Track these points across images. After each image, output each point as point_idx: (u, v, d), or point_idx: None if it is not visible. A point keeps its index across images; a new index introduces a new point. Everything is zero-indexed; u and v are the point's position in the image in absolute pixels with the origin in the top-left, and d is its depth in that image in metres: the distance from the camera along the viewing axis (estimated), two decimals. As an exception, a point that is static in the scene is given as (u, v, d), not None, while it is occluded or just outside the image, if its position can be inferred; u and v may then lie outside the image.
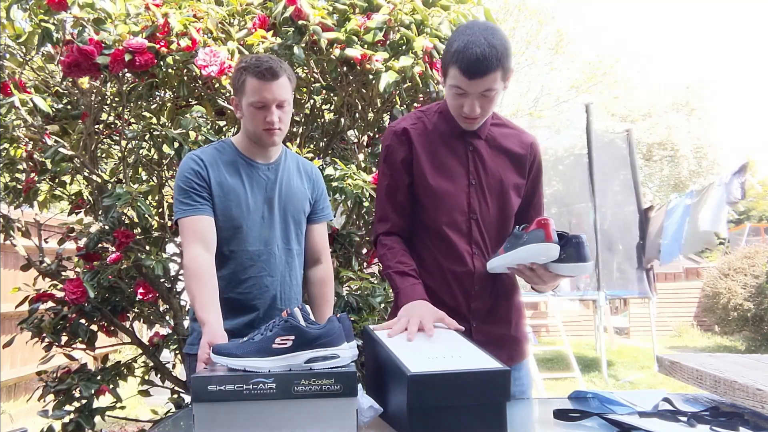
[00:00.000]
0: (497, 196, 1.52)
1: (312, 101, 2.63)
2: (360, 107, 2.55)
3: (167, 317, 2.68)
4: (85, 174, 2.50)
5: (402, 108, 2.40)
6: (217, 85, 2.22)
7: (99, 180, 2.49)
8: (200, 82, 2.29)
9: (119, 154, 2.56)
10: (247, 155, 1.70)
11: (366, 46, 2.25)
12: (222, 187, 1.64)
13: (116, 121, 2.57)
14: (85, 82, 2.36)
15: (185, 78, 2.28)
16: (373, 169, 2.43)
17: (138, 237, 2.35)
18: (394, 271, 1.47)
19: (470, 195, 1.50)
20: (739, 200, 6.58)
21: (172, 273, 2.53)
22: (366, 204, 2.29)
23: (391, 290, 2.08)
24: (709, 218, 6.55)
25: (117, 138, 2.58)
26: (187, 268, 1.56)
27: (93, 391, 2.40)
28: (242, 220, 1.66)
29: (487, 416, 1.06)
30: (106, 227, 2.32)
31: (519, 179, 1.55)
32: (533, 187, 1.60)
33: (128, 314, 2.62)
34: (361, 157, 2.53)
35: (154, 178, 2.58)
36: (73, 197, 2.73)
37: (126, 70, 2.16)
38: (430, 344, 1.23)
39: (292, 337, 1.09)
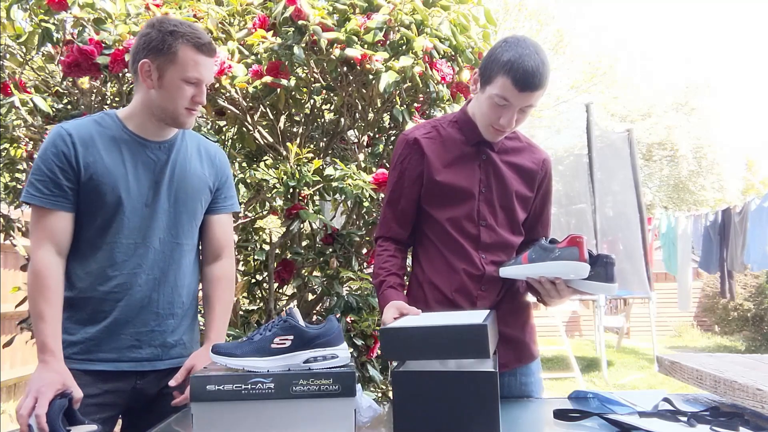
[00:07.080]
0: (505, 207, 1.53)
1: (312, 101, 2.63)
2: (360, 107, 2.55)
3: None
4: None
5: (402, 108, 2.39)
6: (216, 85, 2.22)
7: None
8: (200, 82, 2.28)
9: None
10: (136, 131, 1.46)
11: (366, 46, 2.25)
12: (94, 171, 1.39)
13: (116, 121, 2.56)
14: (85, 82, 2.36)
15: (185, 78, 2.28)
16: (374, 169, 2.43)
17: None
18: (382, 276, 1.51)
19: (479, 202, 1.51)
20: None
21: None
22: (366, 204, 2.28)
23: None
24: None
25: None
26: (35, 274, 1.36)
27: (93, 391, 2.40)
28: (119, 207, 1.42)
29: (478, 413, 1.05)
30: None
31: (527, 192, 1.56)
32: (542, 204, 1.61)
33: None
34: (361, 157, 2.53)
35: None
36: (73, 197, 2.73)
37: (126, 70, 2.16)
38: (442, 316, 1.28)
39: (291, 337, 1.09)
